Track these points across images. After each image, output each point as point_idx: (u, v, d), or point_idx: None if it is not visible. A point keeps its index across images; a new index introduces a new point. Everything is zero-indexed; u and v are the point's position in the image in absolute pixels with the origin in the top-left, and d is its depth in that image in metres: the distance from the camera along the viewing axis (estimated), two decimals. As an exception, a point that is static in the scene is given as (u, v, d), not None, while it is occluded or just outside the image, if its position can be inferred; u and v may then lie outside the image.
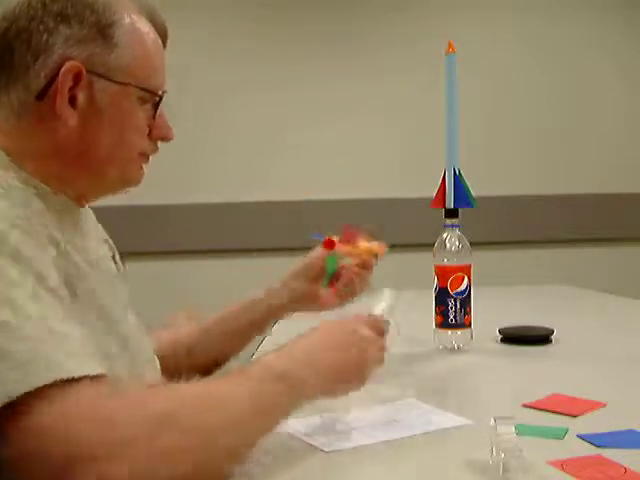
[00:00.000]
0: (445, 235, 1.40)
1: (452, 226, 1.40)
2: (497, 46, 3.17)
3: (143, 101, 0.94)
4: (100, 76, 0.89)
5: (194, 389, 0.78)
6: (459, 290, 1.37)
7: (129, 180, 0.98)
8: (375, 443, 0.91)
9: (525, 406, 1.04)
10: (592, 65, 3.21)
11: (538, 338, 1.44)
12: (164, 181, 3.00)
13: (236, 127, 3.06)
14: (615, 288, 2.24)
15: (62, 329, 0.71)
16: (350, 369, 0.95)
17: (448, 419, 0.99)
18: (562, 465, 0.80)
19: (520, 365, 1.31)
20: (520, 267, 3.14)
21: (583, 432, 0.91)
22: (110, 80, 0.90)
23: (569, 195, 3.19)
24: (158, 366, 1.05)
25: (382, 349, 1.02)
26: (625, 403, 1.05)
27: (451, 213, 1.41)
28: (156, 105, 0.97)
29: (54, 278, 0.76)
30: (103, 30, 0.88)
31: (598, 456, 0.83)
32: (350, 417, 1.00)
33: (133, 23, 0.92)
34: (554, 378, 1.20)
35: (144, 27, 0.94)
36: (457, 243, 1.39)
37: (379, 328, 1.04)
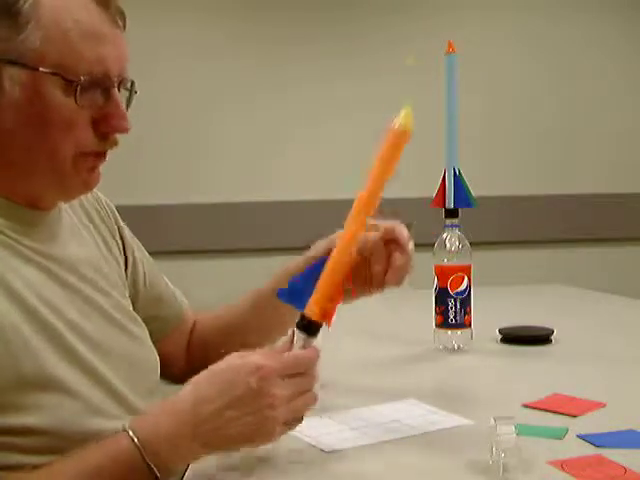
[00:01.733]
0: (445, 235, 1.40)
1: (452, 226, 1.40)
2: (497, 46, 3.17)
3: (69, 90, 0.79)
4: (10, 63, 0.77)
5: None
6: (459, 290, 1.37)
7: (68, 186, 0.85)
8: (375, 443, 0.91)
9: (525, 406, 1.04)
10: (592, 65, 3.21)
11: (538, 338, 1.44)
12: (164, 181, 3.00)
13: (236, 127, 3.06)
14: (615, 288, 2.23)
15: None
16: (237, 433, 0.77)
17: (448, 419, 0.99)
18: (562, 465, 0.80)
19: (520, 365, 1.31)
20: (520, 267, 3.14)
21: (583, 432, 0.91)
22: (21, 66, 0.77)
23: (569, 195, 3.19)
24: (156, 369, 1.00)
25: (295, 402, 0.80)
26: (625, 403, 1.05)
27: (451, 213, 1.41)
28: (76, 90, 0.79)
29: None
30: (8, 8, 0.76)
31: (598, 456, 0.83)
32: (350, 417, 1.00)
33: None
34: (554, 378, 1.20)
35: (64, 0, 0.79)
36: (457, 243, 1.39)
37: (298, 368, 0.81)
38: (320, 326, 0.85)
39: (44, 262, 0.84)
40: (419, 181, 2.63)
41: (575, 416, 0.98)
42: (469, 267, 1.39)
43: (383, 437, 0.92)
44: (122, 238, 1.07)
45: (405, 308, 1.40)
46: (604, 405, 1.03)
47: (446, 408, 1.03)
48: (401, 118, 0.86)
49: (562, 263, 3.16)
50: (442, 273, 1.38)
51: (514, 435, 0.78)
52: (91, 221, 1.01)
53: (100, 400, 0.83)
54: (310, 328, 0.84)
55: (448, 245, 1.39)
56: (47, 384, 0.77)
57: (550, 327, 1.47)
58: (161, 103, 2.86)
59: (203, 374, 0.80)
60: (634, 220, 3.20)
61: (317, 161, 3.08)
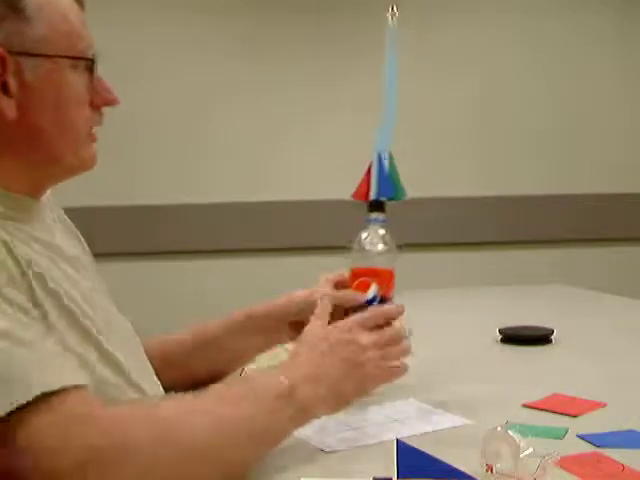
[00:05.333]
0: (366, 232, 1.11)
1: (377, 220, 1.12)
2: (496, 45, 3.16)
3: (75, 70, 0.87)
4: (24, 54, 0.83)
5: (205, 406, 0.80)
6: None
7: (84, 161, 0.91)
8: (375, 443, 0.91)
9: (525, 406, 1.04)
10: (592, 65, 3.21)
11: (538, 338, 1.44)
12: (163, 181, 3.00)
13: (236, 127, 3.06)
14: (615, 288, 2.23)
15: (37, 346, 0.72)
16: (348, 382, 0.91)
17: (448, 419, 0.99)
18: (561, 463, 0.80)
19: (520, 365, 1.31)
20: (520, 267, 3.13)
21: (583, 432, 0.91)
22: (35, 55, 0.83)
23: (569, 195, 3.18)
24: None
25: (388, 354, 0.96)
26: (625, 403, 1.05)
27: (376, 205, 1.13)
28: (90, 69, 0.88)
29: (15, 294, 0.75)
30: (13, 5, 0.82)
31: (596, 453, 0.83)
32: (350, 417, 1.00)
33: None
34: (554, 378, 1.20)
35: None
36: (376, 242, 1.09)
37: (378, 319, 0.97)
38: None
39: (43, 248, 0.86)
40: (419, 181, 2.63)
41: (575, 416, 0.98)
42: (388, 271, 1.06)
43: (383, 437, 0.92)
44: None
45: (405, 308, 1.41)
46: (604, 405, 1.03)
47: (446, 408, 1.03)
48: None
49: (562, 263, 3.16)
50: (351, 276, 1.07)
51: (514, 435, 0.78)
52: (66, 228, 1.03)
53: (109, 377, 0.85)
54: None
55: (366, 244, 1.10)
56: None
57: (550, 327, 1.47)
58: (159, 103, 2.86)
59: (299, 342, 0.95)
60: (634, 220, 3.20)
61: (317, 161, 3.08)
